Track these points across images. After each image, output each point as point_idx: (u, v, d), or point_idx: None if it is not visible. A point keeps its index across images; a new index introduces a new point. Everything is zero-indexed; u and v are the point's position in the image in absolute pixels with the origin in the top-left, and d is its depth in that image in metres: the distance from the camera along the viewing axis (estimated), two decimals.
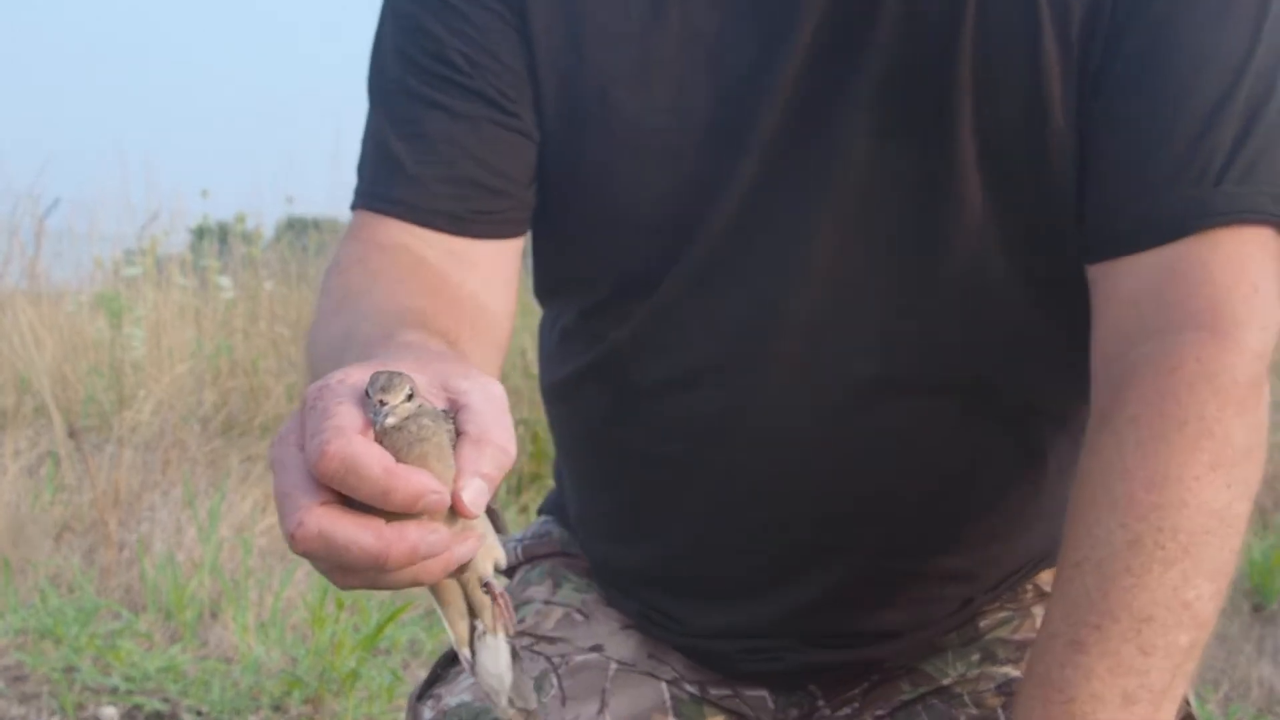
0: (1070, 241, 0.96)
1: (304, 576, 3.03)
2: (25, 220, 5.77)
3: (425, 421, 0.67)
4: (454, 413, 0.70)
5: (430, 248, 0.99)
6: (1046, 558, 1.10)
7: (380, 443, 0.66)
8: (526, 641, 1.10)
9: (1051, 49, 0.94)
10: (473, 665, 0.77)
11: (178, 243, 6.16)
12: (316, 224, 7.02)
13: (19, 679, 2.62)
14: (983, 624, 1.10)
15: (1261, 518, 3.60)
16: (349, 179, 1.04)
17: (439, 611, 0.77)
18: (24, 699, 2.54)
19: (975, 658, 1.09)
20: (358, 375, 0.69)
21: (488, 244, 1.01)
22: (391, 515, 0.66)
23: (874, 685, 1.10)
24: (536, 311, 1.19)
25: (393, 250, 0.98)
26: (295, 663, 2.66)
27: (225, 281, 5.64)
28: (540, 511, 1.25)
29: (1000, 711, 1.03)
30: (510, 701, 0.78)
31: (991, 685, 1.06)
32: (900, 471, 1.02)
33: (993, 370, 1.01)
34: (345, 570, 0.68)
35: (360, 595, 2.66)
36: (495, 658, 0.77)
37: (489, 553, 0.74)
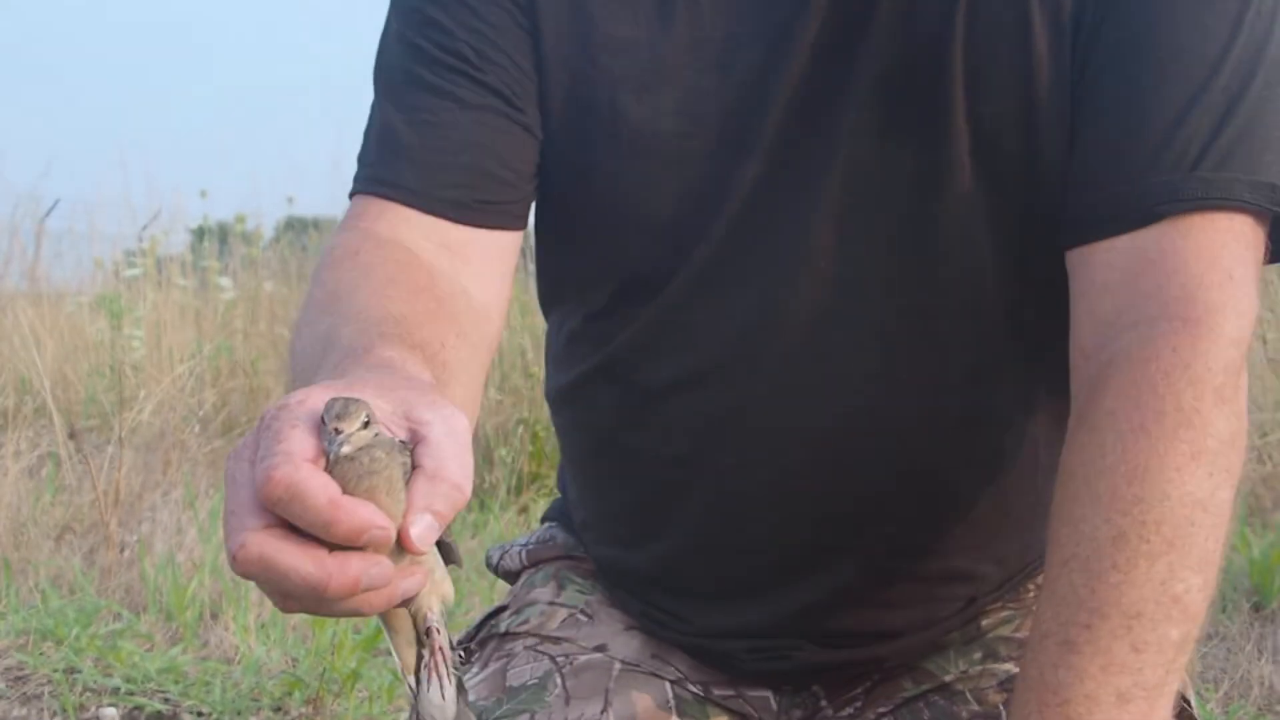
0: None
1: None
2: (26, 221, 5.78)
3: (378, 454, 0.66)
4: (413, 445, 0.69)
5: (427, 239, 0.99)
6: None
7: (330, 472, 0.66)
8: (531, 642, 1.11)
9: (1042, 37, 0.94)
10: (415, 694, 0.75)
11: (178, 243, 6.17)
12: (316, 224, 7.02)
13: (20, 680, 2.62)
14: (985, 623, 1.10)
15: (1261, 517, 3.59)
16: (349, 179, 1.03)
17: (387, 637, 0.76)
18: (25, 700, 2.54)
19: (977, 655, 1.09)
20: (317, 398, 0.68)
21: (487, 235, 1.01)
22: (335, 545, 0.65)
23: (876, 684, 1.10)
24: (537, 311, 1.18)
25: (388, 245, 0.98)
26: (296, 663, 2.66)
27: (225, 282, 5.64)
28: (544, 519, 1.26)
29: (1002, 708, 1.04)
30: None
31: (994, 682, 1.06)
32: (901, 471, 1.02)
33: (993, 370, 1.01)
34: (285, 595, 0.68)
35: None
36: (440, 688, 0.75)
37: (436, 588, 0.73)
